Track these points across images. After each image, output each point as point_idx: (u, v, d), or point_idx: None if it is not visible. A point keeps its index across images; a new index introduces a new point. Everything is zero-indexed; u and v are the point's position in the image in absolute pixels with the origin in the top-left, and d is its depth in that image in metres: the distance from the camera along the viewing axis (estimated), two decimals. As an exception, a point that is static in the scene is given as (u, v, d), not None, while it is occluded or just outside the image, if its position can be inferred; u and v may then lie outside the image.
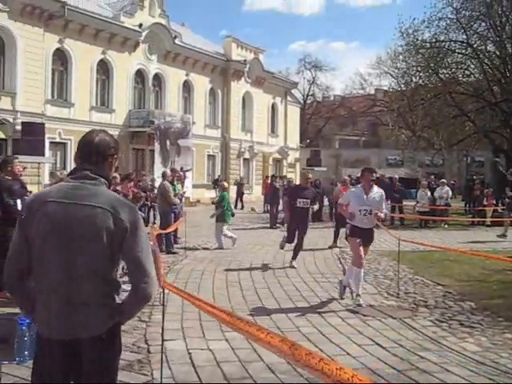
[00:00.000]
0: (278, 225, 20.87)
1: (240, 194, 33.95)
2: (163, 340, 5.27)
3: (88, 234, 2.70)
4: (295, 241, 11.93)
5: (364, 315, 7.54)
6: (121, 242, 2.73)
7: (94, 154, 2.94)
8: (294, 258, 11.68)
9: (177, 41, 36.00)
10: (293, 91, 54.01)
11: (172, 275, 10.44)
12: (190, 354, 5.86)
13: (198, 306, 3.93)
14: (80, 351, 2.77)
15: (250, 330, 2.98)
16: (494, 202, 23.74)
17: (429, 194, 22.47)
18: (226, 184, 16.37)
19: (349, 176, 21.65)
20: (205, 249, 14.49)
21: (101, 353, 2.76)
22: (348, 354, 5.87)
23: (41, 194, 2.97)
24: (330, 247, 15.08)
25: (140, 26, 33.36)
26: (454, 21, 29.42)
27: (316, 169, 46.82)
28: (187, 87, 38.29)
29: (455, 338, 6.53)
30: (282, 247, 12.38)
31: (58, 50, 29.16)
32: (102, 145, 2.97)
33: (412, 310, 7.93)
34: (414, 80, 32.03)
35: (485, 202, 23.38)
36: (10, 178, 8.10)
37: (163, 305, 5.23)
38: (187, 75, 37.86)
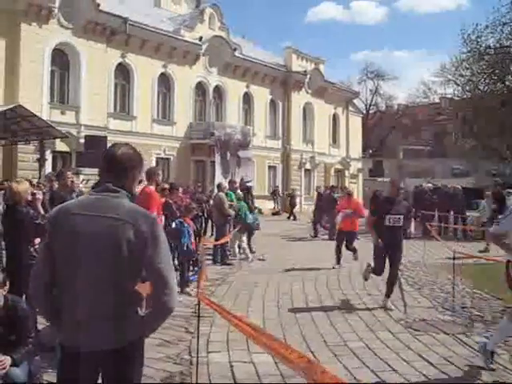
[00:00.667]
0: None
1: (292, 205, 33.67)
2: (201, 352, 5.20)
3: (110, 246, 2.71)
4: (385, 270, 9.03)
5: (415, 330, 7.28)
6: (142, 253, 2.73)
7: (115, 167, 2.93)
8: (388, 295, 8.78)
9: (237, 53, 36.33)
10: (355, 101, 53.60)
11: (225, 286, 10.42)
12: (231, 366, 5.78)
13: (226, 319, 3.85)
14: (102, 363, 2.79)
15: (271, 344, 2.90)
16: None
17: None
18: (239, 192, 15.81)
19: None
20: (260, 260, 14.40)
21: (122, 365, 2.79)
22: (393, 369, 5.66)
23: (65, 206, 2.97)
24: None
25: (200, 39, 33.85)
26: (519, 25, 28.57)
27: (379, 179, 46.23)
28: (247, 99, 38.52)
29: (510, 356, 6.21)
30: (365, 278, 9.51)
31: (120, 64, 29.91)
32: (124, 158, 2.96)
33: (467, 325, 7.61)
34: (479, 87, 31.24)
35: None
36: (63, 189, 8.28)
37: (198, 316, 5.16)
38: (247, 87, 38.11)
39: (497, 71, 29.01)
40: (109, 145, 27.10)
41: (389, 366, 5.79)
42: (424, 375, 5.50)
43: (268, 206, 38.23)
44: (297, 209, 35.83)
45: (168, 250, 2.88)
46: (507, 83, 29.63)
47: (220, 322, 7.23)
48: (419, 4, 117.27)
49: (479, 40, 29.14)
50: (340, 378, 2.39)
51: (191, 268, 10.75)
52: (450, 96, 49.70)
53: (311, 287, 10.39)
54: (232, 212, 14.14)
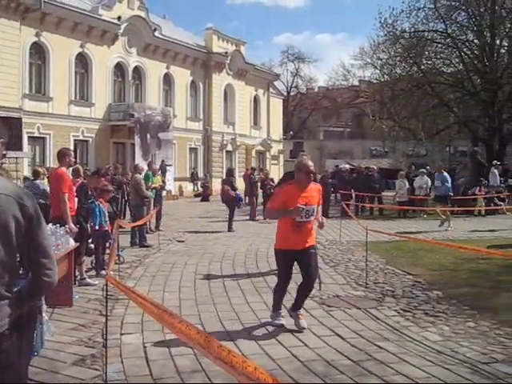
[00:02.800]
0: (258, 217, 20.79)
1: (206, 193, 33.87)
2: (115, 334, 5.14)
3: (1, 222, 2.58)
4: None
5: (329, 306, 7.45)
6: (27, 229, 2.63)
7: None
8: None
9: (157, 33, 35.75)
10: (276, 83, 53.94)
11: (142, 268, 10.33)
12: (145, 347, 5.75)
13: (131, 298, 3.81)
14: None
15: (173, 322, 2.89)
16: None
17: (407, 184, 22.42)
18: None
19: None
20: (179, 241, 14.35)
21: (5, 349, 2.59)
22: (305, 345, 5.78)
23: None
24: None
25: (119, 18, 33.06)
26: (433, 10, 29.41)
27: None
28: (168, 80, 38.05)
29: (418, 328, 6.46)
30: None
31: (35, 43, 28.85)
32: None
33: (378, 300, 7.85)
34: (395, 70, 32.02)
35: (477, 192, 23.25)
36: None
37: (107, 298, 5.08)
38: (168, 68, 37.62)
39: (412, 55, 29.77)
40: (24, 127, 26.56)
41: (301, 341, 5.91)
42: (335, 349, 5.64)
43: (189, 188, 38.15)
44: (218, 190, 35.87)
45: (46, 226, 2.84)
46: (422, 67, 30.47)
47: (135, 304, 7.15)
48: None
49: (395, 24, 29.89)
50: (234, 352, 2.42)
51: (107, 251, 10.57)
52: (368, 79, 50.89)
53: (229, 267, 10.44)
54: (149, 194, 14.00)
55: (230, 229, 16.92)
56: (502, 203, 22.68)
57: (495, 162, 24.91)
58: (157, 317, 3.14)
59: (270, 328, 6.37)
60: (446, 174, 18.61)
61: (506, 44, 29.86)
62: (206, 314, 7.03)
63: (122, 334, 6.16)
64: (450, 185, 18.10)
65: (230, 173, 19.30)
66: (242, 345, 5.74)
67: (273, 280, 9.15)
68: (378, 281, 9.14)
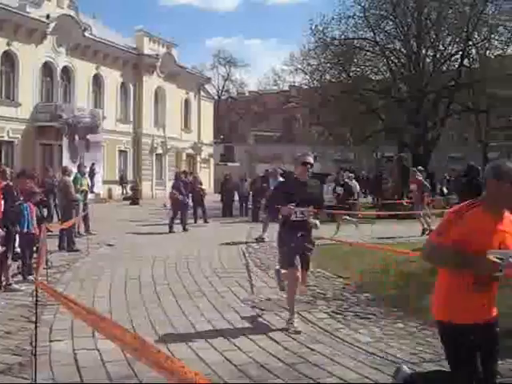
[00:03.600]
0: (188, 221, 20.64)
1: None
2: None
3: None
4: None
5: (261, 309, 7.46)
6: None
7: None
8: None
9: (86, 33, 35.13)
10: (207, 87, 53.86)
11: (70, 273, 10.07)
12: (75, 354, 5.59)
13: (62, 303, 3.70)
14: None
15: (106, 327, 2.81)
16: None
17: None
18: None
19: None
20: (108, 245, 14.09)
21: None
22: (239, 348, 5.76)
23: None
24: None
25: (47, 17, 32.31)
26: (363, 19, 30.03)
27: (229, 164, 46.96)
28: (97, 81, 37.45)
29: (349, 330, 6.54)
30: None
31: (-44, 40, 27.82)
32: None
33: (310, 302, 7.92)
34: (325, 77, 32.52)
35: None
36: None
37: (36, 303, 4.92)
38: (97, 69, 37.05)
39: (341, 61, 30.37)
40: None
41: (234, 345, 5.88)
42: (268, 352, 5.64)
43: (119, 191, 37.58)
44: (147, 194, 35.62)
45: None
46: (351, 73, 31.09)
47: (65, 310, 6.95)
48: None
49: (326, 31, 30.41)
50: (170, 355, 2.38)
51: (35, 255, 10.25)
52: (298, 84, 51.50)
53: (160, 271, 10.32)
54: (78, 196, 13.70)
55: (184, 229, 17.71)
56: (425, 207, 23.31)
57: (420, 167, 25.59)
58: (90, 323, 3.05)
59: (204, 332, 6.33)
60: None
61: (431, 53, 30.83)
62: (138, 318, 6.91)
63: (51, 341, 5.97)
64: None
65: (179, 176, 19.86)
66: (175, 350, 5.66)
67: (204, 283, 9.14)
68: (309, 284, 9.18)
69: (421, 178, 18.20)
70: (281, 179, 22.90)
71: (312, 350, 5.74)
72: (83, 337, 6.05)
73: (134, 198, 32.79)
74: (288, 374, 5.06)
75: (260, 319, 7.00)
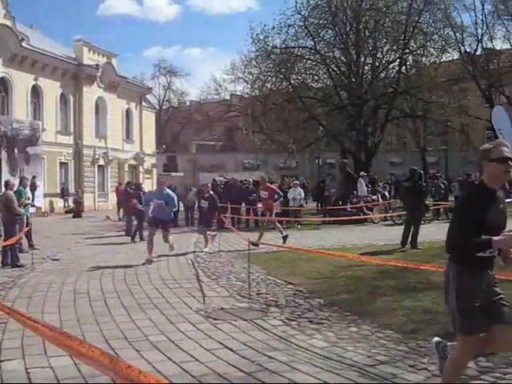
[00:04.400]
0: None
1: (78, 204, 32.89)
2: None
3: None
4: None
5: (215, 319, 7.43)
6: None
7: None
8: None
9: (24, 43, 34.30)
10: (148, 97, 53.43)
11: (16, 290, 9.78)
12: (28, 373, 5.42)
13: (19, 321, 3.59)
14: None
15: (71, 344, 2.73)
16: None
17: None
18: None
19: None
20: (54, 260, 13.77)
21: None
22: (196, 359, 5.72)
23: None
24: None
25: (-18, 27, 31.44)
26: (303, 28, 30.31)
27: (173, 174, 46.65)
28: (36, 92, 36.61)
29: (304, 336, 6.59)
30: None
31: None
32: None
33: (263, 310, 7.93)
34: (267, 85, 32.67)
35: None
36: None
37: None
38: (36, 80, 36.19)
39: (282, 70, 30.53)
40: None
41: (191, 356, 5.84)
42: (226, 362, 5.62)
43: (60, 204, 36.80)
44: (90, 206, 35.01)
45: None
46: (292, 81, 31.35)
47: (13, 328, 6.75)
48: (211, 4, 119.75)
49: (267, 40, 30.47)
50: (146, 371, 2.34)
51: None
52: (239, 93, 51.62)
53: (109, 284, 10.15)
54: (22, 211, 13.35)
55: (141, 238, 17.63)
56: (370, 212, 23.78)
57: (362, 172, 26.07)
58: (52, 340, 2.96)
59: (159, 344, 6.25)
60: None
61: (370, 61, 31.44)
62: (91, 333, 6.77)
63: (1, 361, 5.79)
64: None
65: (138, 187, 20.43)
66: (132, 364, 5.57)
67: (155, 294, 9.04)
68: (260, 291, 9.24)
69: (273, 186, 18.20)
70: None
71: (270, 357, 5.75)
72: (35, 355, 5.91)
73: (77, 211, 32.19)
74: (248, 382, 5.06)
75: (214, 329, 6.96)
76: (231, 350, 6.05)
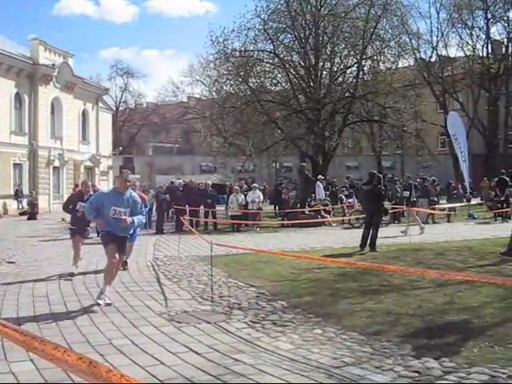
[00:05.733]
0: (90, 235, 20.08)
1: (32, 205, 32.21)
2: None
3: None
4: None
5: (178, 322, 7.37)
6: None
7: None
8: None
9: (-24, 41, 33.51)
10: (105, 98, 52.73)
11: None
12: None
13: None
14: None
15: (44, 348, 2.66)
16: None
17: (240, 198, 22.94)
18: None
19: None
20: (10, 263, 13.45)
21: None
22: (162, 363, 5.66)
23: None
24: None
25: None
26: (262, 31, 30.45)
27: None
28: (-11, 91, 35.76)
29: (269, 338, 6.59)
30: None
31: None
32: None
33: (226, 313, 7.91)
34: (225, 88, 32.70)
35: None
36: None
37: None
38: (-11, 78, 35.36)
39: (241, 73, 30.59)
40: None
41: (157, 359, 5.78)
42: (192, 365, 5.58)
43: (14, 206, 36.02)
44: (45, 208, 34.39)
45: None
46: (250, 85, 31.42)
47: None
48: (169, 6, 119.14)
49: (226, 43, 30.48)
50: (128, 376, 2.29)
51: None
52: (197, 96, 51.50)
53: (69, 288, 9.97)
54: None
55: None
56: (327, 215, 23.96)
57: (320, 176, 26.26)
58: (23, 344, 2.88)
59: (123, 348, 6.17)
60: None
61: (328, 66, 31.75)
62: (53, 338, 6.57)
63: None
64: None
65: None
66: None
67: (116, 297, 8.91)
68: (223, 294, 9.21)
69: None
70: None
71: (236, 360, 5.74)
72: (-5, 360, 5.77)
73: (32, 213, 31.56)
74: (216, 385, 5.04)
75: (179, 332, 6.91)
76: (197, 353, 6.01)
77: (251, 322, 7.38)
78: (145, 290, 9.65)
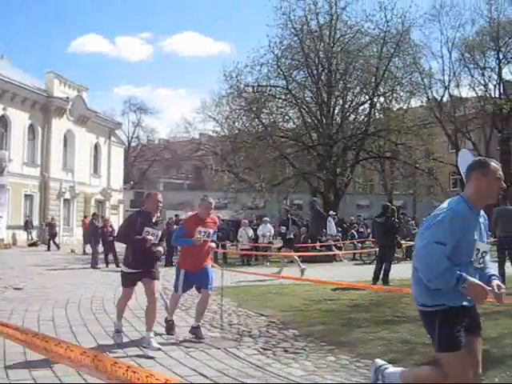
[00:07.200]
0: (99, 265, 19.99)
1: (52, 235, 32.01)
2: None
3: None
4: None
5: (187, 347, 7.16)
6: None
7: None
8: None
9: (-6, 72, 33.97)
10: (117, 132, 53.16)
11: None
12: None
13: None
14: None
15: (46, 346, 2.50)
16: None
17: (250, 232, 22.81)
18: None
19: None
20: (17, 289, 13.29)
21: None
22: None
23: None
24: None
25: (-49, 55, 31.09)
26: (275, 67, 30.65)
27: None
28: (4, 122, 36.12)
29: (280, 365, 6.36)
30: None
31: None
32: None
33: (236, 340, 7.69)
34: (237, 124, 32.79)
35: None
36: None
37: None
38: (4, 109, 35.74)
39: (254, 108, 30.72)
40: None
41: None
42: (201, 388, 5.38)
43: (24, 237, 35.98)
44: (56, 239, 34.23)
45: None
46: (263, 120, 31.52)
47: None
48: (184, 46, 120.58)
49: (239, 78, 30.66)
50: (134, 367, 2.13)
51: None
52: (209, 132, 51.73)
53: (75, 313, 9.79)
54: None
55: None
56: (338, 251, 23.71)
57: (331, 212, 26.09)
58: (25, 344, 2.73)
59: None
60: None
61: (340, 103, 31.84)
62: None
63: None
64: None
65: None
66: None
67: (123, 323, 8.70)
68: (232, 322, 9.00)
69: None
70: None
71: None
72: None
73: (53, 241, 31.46)
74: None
75: (187, 356, 6.70)
76: (205, 376, 5.81)
77: (262, 348, 7.16)
78: (152, 317, 9.43)
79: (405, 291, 7.60)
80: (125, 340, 7.59)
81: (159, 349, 6.89)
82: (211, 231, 8.07)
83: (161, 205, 7.66)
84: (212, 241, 8.26)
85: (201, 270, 8.10)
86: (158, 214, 7.72)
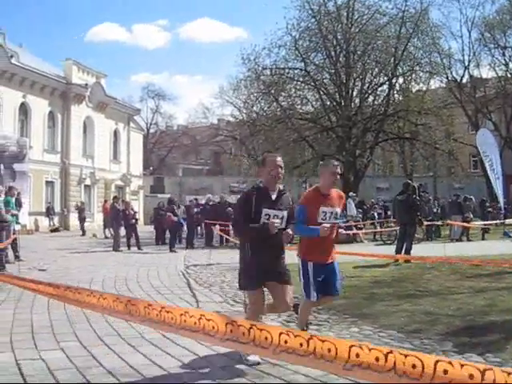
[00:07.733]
0: (121, 248, 20.17)
1: (82, 220, 32.42)
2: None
3: None
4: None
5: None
6: None
7: None
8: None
9: (13, 60, 34.15)
10: (136, 118, 53.34)
11: (3, 293, 9.51)
12: (19, 365, 5.21)
13: (21, 286, 3.41)
14: None
15: (79, 297, 2.56)
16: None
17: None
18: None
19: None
20: (41, 270, 13.48)
21: None
22: (195, 353, 5.53)
23: None
24: None
25: (-29, 42, 31.32)
26: (293, 49, 30.45)
27: (159, 195, 46.39)
28: (24, 109, 36.38)
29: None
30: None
31: None
32: None
33: (259, 313, 7.74)
34: (255, 108, 32.69)
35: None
36: None
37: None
38: (24, 97, 36.00)
39: (272, 91, 30.58)
40: None
41: (189, 350, 5.67)
42: (226, 356, 5.43)
43: (45, 223, 36.35)
44: (75, 225, 34.70)
45: None
46: (281, 103, 31.38)
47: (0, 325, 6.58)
48: (200, 33, 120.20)
49: (257, 60, 30.49)
50: (168, 307, 2.16)
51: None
52: (228, 117, 51.70)
53: (99, 290, 9.90)
54: (10, 218, 13.11)
55: (171, 250, 19.51)
56: (359, 231, 23.67)
57: (352, 193, 26.01)
58: (57, 298, 2.79)
59: (154, 341, 6.04)
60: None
61: (359, 84, 31.59)
62: (82, 331, 6.55)
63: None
64: None
65: (172, 202, 22.10)
66: (128, 358, 5.39)
67: (146, 299, 8.80)
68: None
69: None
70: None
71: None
72: (24, 348, 5.71)
73: (82, 227, 32.09)
74: (254, 374, 4.89)
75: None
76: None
77: (285, 321, 7.22)
78: (175, 294, 9.55)
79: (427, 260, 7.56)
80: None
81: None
82: (338, 210, 5.99)
83: (282, 171, 5.53)
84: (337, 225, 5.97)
85: (329, 265, 6.10)
86: (281, 187, 5.59)
